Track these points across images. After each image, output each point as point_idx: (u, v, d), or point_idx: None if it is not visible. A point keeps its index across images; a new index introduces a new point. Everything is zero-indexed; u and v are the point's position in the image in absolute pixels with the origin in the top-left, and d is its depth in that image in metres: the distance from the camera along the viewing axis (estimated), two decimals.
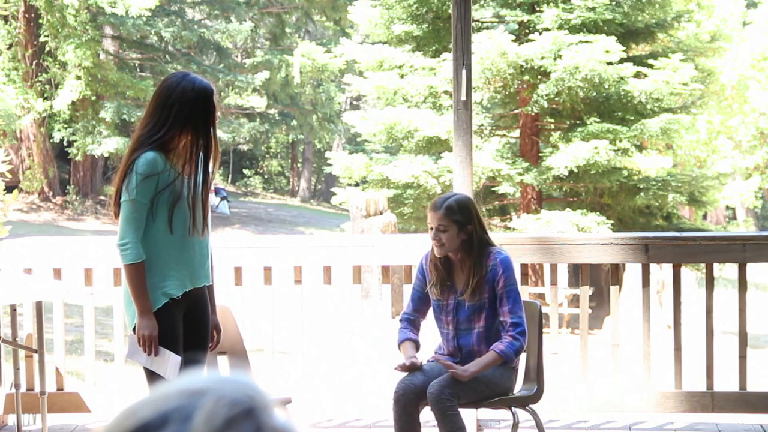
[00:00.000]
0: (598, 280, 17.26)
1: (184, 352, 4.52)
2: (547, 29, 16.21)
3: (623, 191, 16.65)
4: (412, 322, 5.07)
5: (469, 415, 5.76)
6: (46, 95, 27.23)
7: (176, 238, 4.46)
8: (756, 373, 7.51)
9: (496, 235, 5.64)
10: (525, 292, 5.98)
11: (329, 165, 19.52)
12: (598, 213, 16.24)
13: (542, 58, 15.86)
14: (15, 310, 5.58)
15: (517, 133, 17.58)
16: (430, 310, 5.09)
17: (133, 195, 4.39)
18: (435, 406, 4.73)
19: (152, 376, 4.51)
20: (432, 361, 5.00)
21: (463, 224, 4.89)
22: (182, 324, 4.54)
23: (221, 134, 34.06)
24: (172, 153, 4.45)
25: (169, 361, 4.42)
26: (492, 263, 4.88)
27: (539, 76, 16.19)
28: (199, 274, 4.55)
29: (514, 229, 16.04)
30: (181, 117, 4.43)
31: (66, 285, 5.91)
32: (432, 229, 4.92)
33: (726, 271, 24.08)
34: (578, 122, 16.62)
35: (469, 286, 4.87)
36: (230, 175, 45.94)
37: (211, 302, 4.69)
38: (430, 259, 4.99)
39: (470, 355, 4.92)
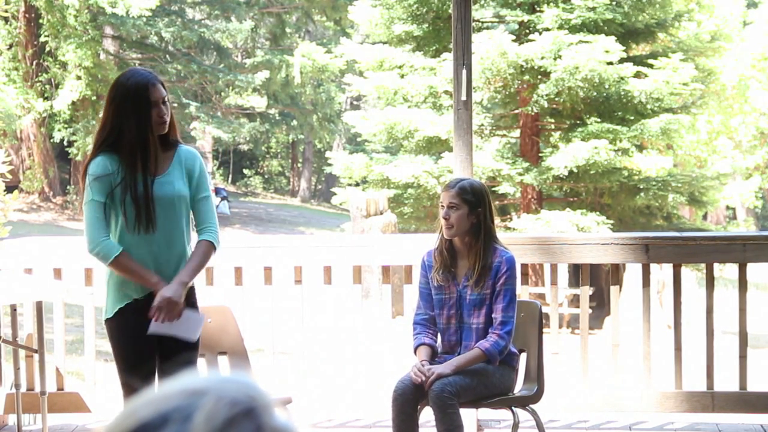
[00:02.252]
0: (598, 280, 17.26)
1: (171, 354, 4.48)
2: (547, 29, 16.22)
3: (623, 191, 16.66)
4: (426, 324, 5.02)
5: (469, 415, 5.76)
6: (46, 95, 27.24)
7: (134, 237, 4.43)
8: (756, 373, 7.51)
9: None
10: (525, 292, 5.98)
11: (329, 165, 19.53)
12: (598, 213, 16.24)
13: (542, 58, 15.87)
14: (15, 310, 5.57)
15: (517, 133, 17.58)
16: None
17: (89, 197, 4.41)
18: (435, 404, 4.73)
19: (128, 390, 4.49)
20: (440, 360, 4.98)
21: (474, 206, 4.90)
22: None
23: (221, 134, 34.07)
24: (124, 152, 4.42)
25: (190, 320, 4.43)
26: (498, 260, 4.89)
27: (539, 76, 16.19)
28: (166, 274, 4.46)
29: (514, 229, 16.04)
30: (118, 115, 4.40)
31: (66, 285, 5.91)
32: (443, 207, 4.92)
33: (726, 271, 24.08)
34: (578, 122, 16.63)
35: (474, 272, 4.87)
36: (230, 175, 45.94)
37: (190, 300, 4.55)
38: (436, 247, 5.00)
39: (468, 351, 4.93)
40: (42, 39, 26.60)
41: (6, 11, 25.34)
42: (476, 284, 4.88)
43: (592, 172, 15.90)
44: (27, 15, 27.08)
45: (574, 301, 17.29)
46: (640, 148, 17.69)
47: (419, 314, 5.02)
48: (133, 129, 4.38)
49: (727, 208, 33.39)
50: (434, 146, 16.67)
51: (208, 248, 4.51)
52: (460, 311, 4.93)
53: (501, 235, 6.50)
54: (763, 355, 14.37)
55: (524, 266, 6.05)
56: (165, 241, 4.46)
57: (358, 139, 27.21)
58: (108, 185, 4.39)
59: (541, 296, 15.38)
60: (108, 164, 4.40)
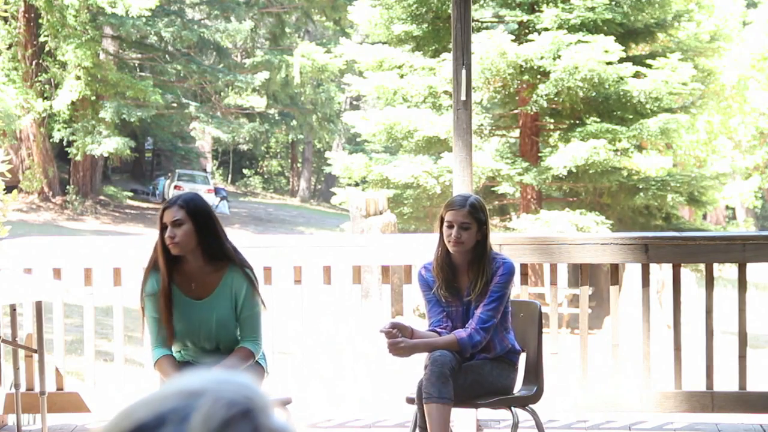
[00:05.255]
0: (597, 280, 17.26)
1: None
2: (547, 29, 16.22)
3: (623, 191, 16.66)
4: (440, 324, 4.98)
5: (468, 415, 5.76)
6: (45, 95, 27.24)
7: (187, 347, 4.84)
8: (756, 373, 7.51)
9: (496, 235, 5.63)
10: (525, 292, 5.97)
11: (329, 165, 19.54)
12: (597, 213, 16.25)
13: (541, 58, 15.87)
14: (15, 310, 5.57)
15: (516, 133, 17.59)
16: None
17: (146, 312, 4.79)
18: (418, 397, 4.78)
19: None
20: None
21: (482, 224, 4.90)
22: None
23: (221, 134, 34.07)
24: (162, 271, 4.79)
25: None
26: (496, 266, 4.89)
27: (539, 76, 16.19)
28: None
29: (513, 229, 16.05)
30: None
31: (66, 285, 5.91)
32: (452, 227, 4.88)
33: (726, 271, 24.08)
34: (578, 122, 16.63)
35: (478, 287, 4.87)
36: (230, 175, 45.95)
37: None
38: (435, 260, 4.97)
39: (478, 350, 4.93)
40: (42, 39, 26.60)
41: (6, 11, 25.34)
42: (479, 298, 4.88)
43: (591, 172, 15.90)
44: (27, 15, 27.08)
45: (574, 301, 17.29)
46: (640, 148, 17.69)
47: (432, 320, 4.98)
48: (158, 249, 4.69)
49: (727, 208, 33.40)
50: (434, 146, 16.67)
51: (247, 354, 4.69)
52: (467, 322, 4.93)
53: (501, 235, 6.49)
54: (763, 355, 14.38)
55: (524, 266, 6.04)
56: (214, 352, 4.73)
57: (358, 139, 27.21)
58: (157, 303, 4.69)
59: (541, 296, 15.39)
60: (155, 282, 4.70)
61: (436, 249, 4.97)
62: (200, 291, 4.71)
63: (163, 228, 4.64)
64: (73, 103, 26.72)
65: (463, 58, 6.00)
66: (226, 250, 4.72)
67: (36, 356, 5.68)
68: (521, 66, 15.95)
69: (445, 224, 4.91)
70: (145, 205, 34.47)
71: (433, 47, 17.04)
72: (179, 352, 4.77)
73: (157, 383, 5.53)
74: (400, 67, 16.91)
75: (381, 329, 4.84)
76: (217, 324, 4.68)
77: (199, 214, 4.65)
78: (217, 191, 35.17)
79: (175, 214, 4.62)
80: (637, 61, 16.81)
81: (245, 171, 47.40)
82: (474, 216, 4.89)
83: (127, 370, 6.37)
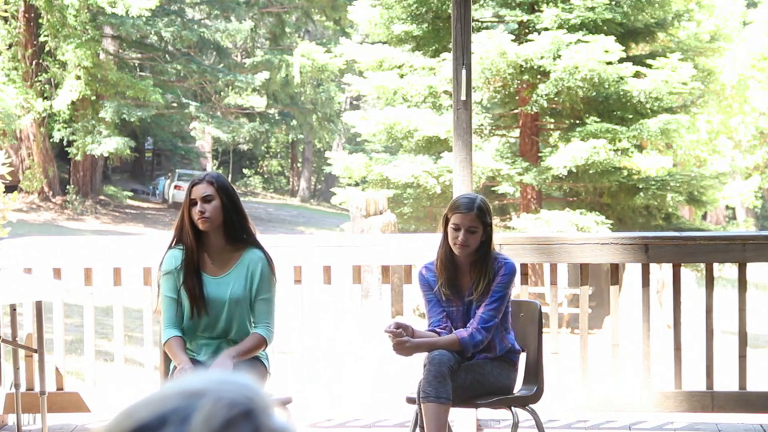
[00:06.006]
0: (597, 280, 17.26)
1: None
2: (547, 29, 16.22)
3: (623, 191, 16.66)
4: (440, 324, 4.98)
5: (468, 415, 5.76)
6: (45, 95, 27.24)
7: (199, 328, 4.82)
8: (756, 373, 7.51)
9: (496, 235, 5.63)
10: (525, 292, 5.97)
11: (329, 165, 19.54)
12: (597, 213, 16.25)
13: (542, 57, 15.87)
14: (15, 310, 5.57)
15: (516, 132, 17.59)
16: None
17: (162, 292, 4.82)
18: (418, 397, 4.76)
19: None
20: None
21: (487, 225, 4.90)
22: None
23: (221, 134, 34.07)
24: (185, 248, 4.82)
25: None
26: (498, 266, 4.88)
27: (539, 76, 16.20)
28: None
29: (513, 228, 16.05)
30: (181, 212, 4.84)
31: (66, 285, 5.91)
32: (458, 229, 4.86)
33: (726, 271, 24.08)
34: (577, 122, 16.63)
35: (479, 287, 4.86)
36: (230, 175, 45.94)
37: None
38: (438, 258, 4.96)
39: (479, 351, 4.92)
40: (42, 39, 26.60)
41: (6, 11, 25.34)
42: (481, 297, 4.87)
43: (591, 171, 15.90)
44: (27, 15, 27.08)
45: (574, 300, 17.29)
46: (640, 147, 17.69)
47: (431, 320, 4.97)
48: (185, 225, 4.69)
49: (727, 207, 33.41)
50: (434, 146, 16.67)
51: (260, 340, 4.70)
52: (467, 322, 4.92)
53: (501, 235, 6.49)
54: (763, 355, 14.38)
55: (524, 266, 6.04)
56: (224, 335, 4.72)
57: (358, 139, 27.22)
58: (174, 281, 4.70)
59: (541, 296, 15.38)
60: (173, 260, 4.71)
61: (440, 248, 4.96)
62: (218, 268, 4.73)
63: (191, 204, 4.67)
64: (73, 102, 26.72)
65: (463, 58, 6.00)
66: (248, 230, 4.77)
67: (36, 356, 5.68)
68: (521, 66, 15.95)
69: (451, 226, 4.88)
70: (145, 205, 34.48)
71: (433, 47, 17.04)
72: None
73: (157, 382, 5.54)
74: (400, 67, 16.91)
75: (385, 329, 4.83)
76: (231, 300, 4.68)
77: (226, 191, 4.72)
78: None
79: (206, 189, 4.66)
80: (637, 61, 16.81)
81: (245, 171, 47.41)
82: (481, 219, 4.88)
83: (127, 370, 6.37)
